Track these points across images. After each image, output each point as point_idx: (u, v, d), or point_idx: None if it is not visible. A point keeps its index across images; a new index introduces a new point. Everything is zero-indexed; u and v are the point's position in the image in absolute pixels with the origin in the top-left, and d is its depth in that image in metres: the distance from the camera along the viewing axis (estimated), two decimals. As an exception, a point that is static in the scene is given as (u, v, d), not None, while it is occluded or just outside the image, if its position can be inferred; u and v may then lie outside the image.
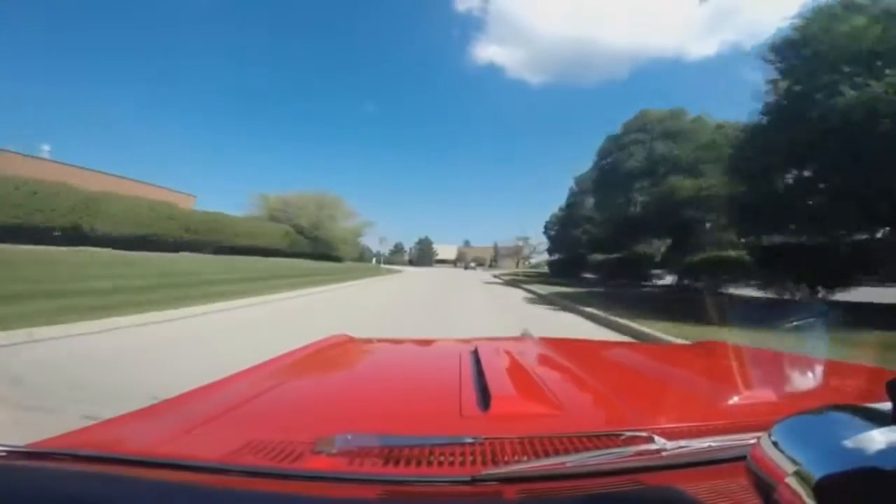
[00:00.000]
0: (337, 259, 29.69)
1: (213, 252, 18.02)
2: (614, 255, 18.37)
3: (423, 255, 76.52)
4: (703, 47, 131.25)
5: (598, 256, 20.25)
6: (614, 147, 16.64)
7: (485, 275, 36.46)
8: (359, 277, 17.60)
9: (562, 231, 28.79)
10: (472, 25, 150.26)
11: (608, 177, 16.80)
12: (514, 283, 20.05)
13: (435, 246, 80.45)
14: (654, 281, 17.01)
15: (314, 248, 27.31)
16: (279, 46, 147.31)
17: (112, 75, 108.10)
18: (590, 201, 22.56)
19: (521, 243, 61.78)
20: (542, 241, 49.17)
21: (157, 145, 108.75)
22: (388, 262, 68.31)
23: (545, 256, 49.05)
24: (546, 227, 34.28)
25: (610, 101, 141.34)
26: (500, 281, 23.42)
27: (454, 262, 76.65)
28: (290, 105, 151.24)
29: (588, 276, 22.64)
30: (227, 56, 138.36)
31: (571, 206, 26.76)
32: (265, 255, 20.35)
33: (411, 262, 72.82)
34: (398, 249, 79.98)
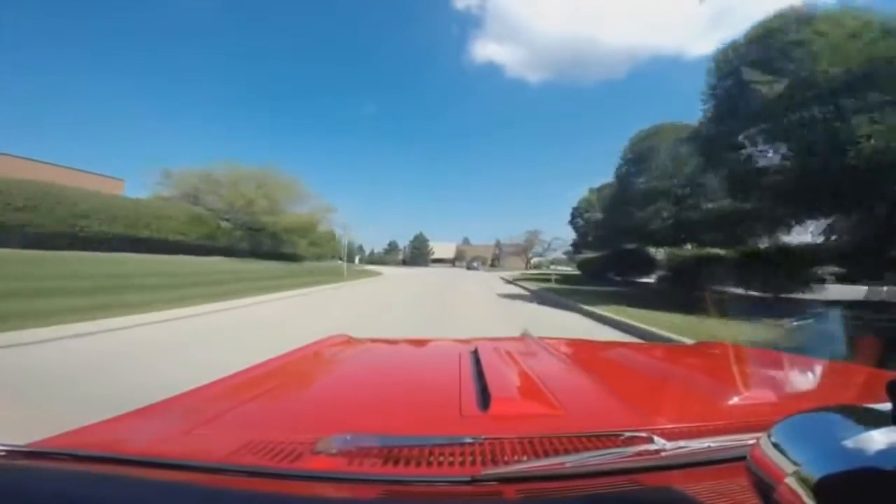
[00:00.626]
0: (293, 258, 21.24)
1: (22, 245, 9.74)
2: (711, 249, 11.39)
3: (418, 254, 70.04)
4: (702, 46, 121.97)
5: (677, 252, 13.30)
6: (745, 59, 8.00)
7: (491, 277, 28.10)
8: (285, 288, 10.92)
9: (609, 216, 16.52)
10: (471, 23, 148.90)
11: (737, 110, 7.95)
12: (548, 295, 11.85)
13: (431, 244, 74.03)
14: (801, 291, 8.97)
15: (253, 243, 18.59)
16: (273, 41, 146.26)
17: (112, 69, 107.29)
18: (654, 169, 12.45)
19: (530, 238, 53.70)
20: (557, 237, 43.26)
21: (144, 141, 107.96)
22: (379, 261, 61.74)
23: (554, 255, 43.93)
24: (574, 215, 24.88)
25: (609, 99, 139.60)
26: (522, 290, 14.93)
27: (452, 262, 71.52)
28: (281, 100, 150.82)
29: (644, 280, 15.91)
30: (223, 52, 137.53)
31: (624, 177, 14.75)
32: (162, 250, 13.22)
33: (405, 262, 67.24)
34: (392, 248, 76.30)
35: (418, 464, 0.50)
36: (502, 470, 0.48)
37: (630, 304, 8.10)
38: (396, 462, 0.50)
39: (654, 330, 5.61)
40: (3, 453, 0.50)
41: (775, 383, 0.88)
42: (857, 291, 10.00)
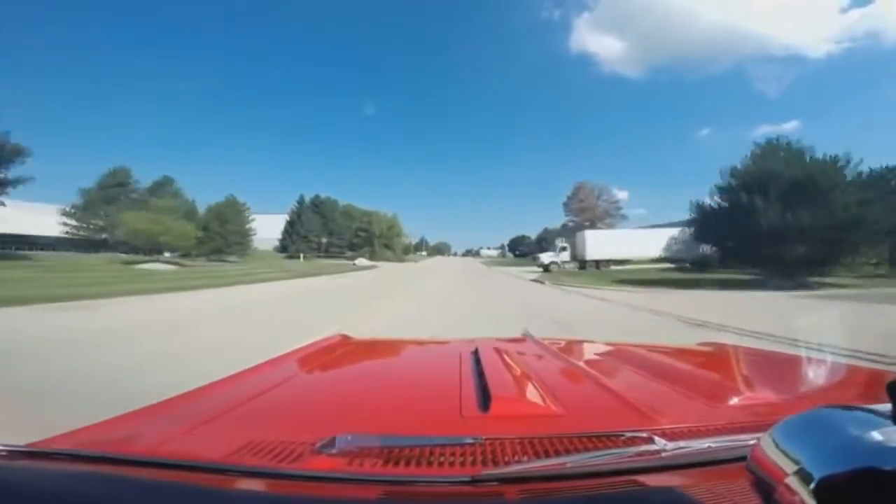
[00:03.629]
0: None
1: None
2: None
3: (443, 247, 77.33)
4: (829, 47, 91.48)
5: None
6: None
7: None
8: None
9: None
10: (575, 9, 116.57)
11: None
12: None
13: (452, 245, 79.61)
14: None
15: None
16: (311, 36, 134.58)
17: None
18: None
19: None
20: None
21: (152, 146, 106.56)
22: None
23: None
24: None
25: (711, 97, 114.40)
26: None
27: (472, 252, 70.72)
28: (306, 101, 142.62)
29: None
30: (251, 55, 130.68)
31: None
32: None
33: (428, 253, 72.26)
34: (421, 242, 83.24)
35: (418, 464, 0.50)
36: (503, 470, 0.48)
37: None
38: (397, 462, 0.50)
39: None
40: (3, 453, 0.50)
41: (775, 383, 0.88)
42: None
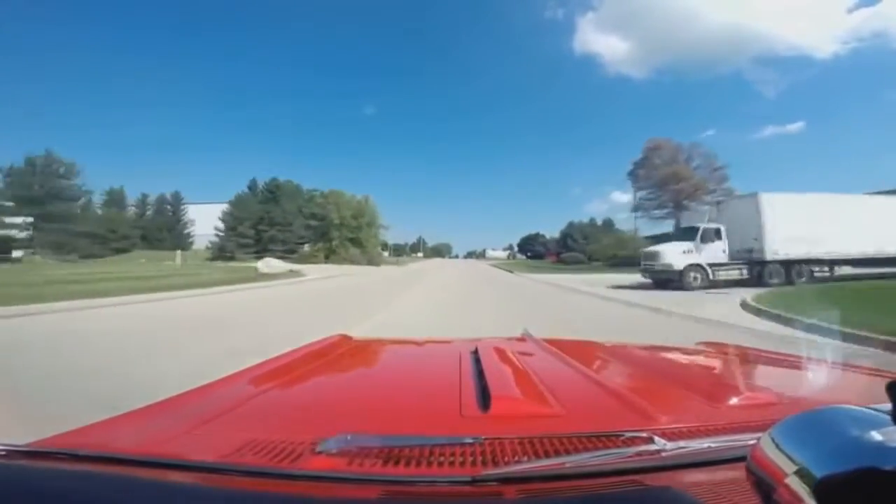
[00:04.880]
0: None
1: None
2: None
3: (443, 248, 66.46)
4: (836, 47, 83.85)
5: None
6: None
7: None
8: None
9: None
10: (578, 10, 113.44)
11: None
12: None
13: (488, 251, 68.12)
14: None
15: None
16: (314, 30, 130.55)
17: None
18: None
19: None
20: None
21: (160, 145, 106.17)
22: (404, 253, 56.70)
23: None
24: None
25: (716, 98, 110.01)
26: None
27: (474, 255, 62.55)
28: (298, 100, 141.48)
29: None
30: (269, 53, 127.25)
31: None
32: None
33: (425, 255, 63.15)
34: (418, 242, 75.09)
35: (418, 464, 0.50)
36: (503, 470, 0.48)
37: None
38: (396, 462, 0.50)
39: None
40: (3, 453, 0.50)
41: (775, 383, 0.88)
42: None
